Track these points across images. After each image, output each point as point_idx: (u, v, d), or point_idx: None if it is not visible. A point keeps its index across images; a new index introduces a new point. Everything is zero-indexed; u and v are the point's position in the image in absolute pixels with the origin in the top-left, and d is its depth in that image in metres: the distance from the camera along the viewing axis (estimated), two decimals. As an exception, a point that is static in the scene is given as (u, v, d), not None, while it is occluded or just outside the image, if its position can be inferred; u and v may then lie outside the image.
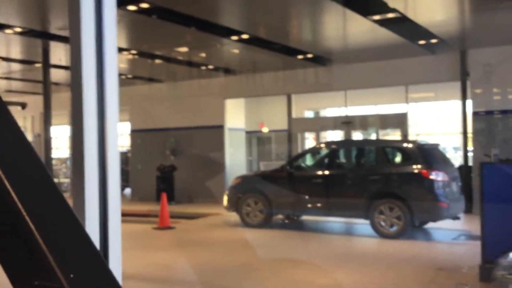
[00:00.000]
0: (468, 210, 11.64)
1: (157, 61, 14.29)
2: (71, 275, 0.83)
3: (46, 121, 12.43)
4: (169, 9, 9.61)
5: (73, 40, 1.31)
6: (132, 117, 17.76)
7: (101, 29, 1.32)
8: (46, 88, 12.76)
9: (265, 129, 18.65)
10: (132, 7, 9.19)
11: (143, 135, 16.01)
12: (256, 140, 19.10)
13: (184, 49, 13.23)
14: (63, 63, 13.92)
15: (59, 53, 12.97)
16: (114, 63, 1.36)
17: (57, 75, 14.66)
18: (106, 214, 1.31)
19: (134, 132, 17.84)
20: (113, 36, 1.35)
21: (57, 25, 10.48)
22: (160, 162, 16.13)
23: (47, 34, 11.18)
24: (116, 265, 1.31)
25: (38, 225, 0.87)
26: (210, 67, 15.30)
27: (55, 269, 0.83)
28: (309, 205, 11.00)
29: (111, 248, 1.31)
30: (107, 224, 1.31)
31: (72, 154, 1.32)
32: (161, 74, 16.39)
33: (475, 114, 13.14)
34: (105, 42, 1.33)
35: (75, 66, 1.30)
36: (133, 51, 13.13)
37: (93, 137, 1.30)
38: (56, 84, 15.24)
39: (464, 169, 12.95)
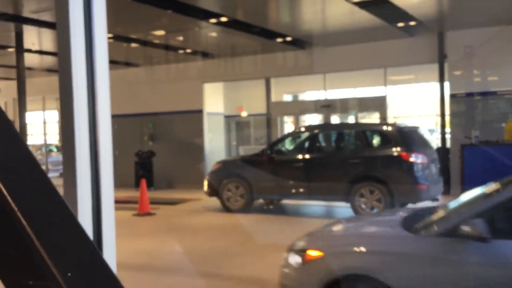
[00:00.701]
0: (446, 192, 11.79)
1: (133, 45, 14.03)
2: (69, 274, 0.79)
3: (21, 107, 12.11)
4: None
5: (60, 26, 1.27)
6: (109, 102, 17.44)
7: (90, 14, 1.29)
8: (20, 73, 12.41)
9: (243, 113, 18.55)
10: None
11: (120, 121, 15.74)
12: (234, 124, 19.00)
13: (161, 33, 13.00)
14: (37, 48, 13.56)
15: (32, 38, 12.61)
16: (105, 48, 1.32)
17: (31, 60, 14.28)
18: (99, 203, 1.29)
19: (111, 118, 17.54)
20: (103, 21, 1.33)
21: (31, 8, 10.16)
22: (138, 148, 15.94)
23: (20, 17, 10.84)
24: (110, 255, 1.29)
25: (30, 220, 0.82)
26: (188, 51, 15.08)
27: (51, 268, 0.79)
28: (290, 189, 11.00)
29: (105, 238, 1.30)
30: (101, 214, 1.29)
31: (63, 143, 1.29)
32: (137, 58, 16.11)
33: (452, 96, 13.26)
34: (95, 28, 1.31)
35: (63, 53, 1.27)
36: (108, 35, 12.83)
37: (84, 125, 1.27)
38: (29, 69, 14.85)
39: (442, 151, 13.09)
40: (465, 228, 3.65)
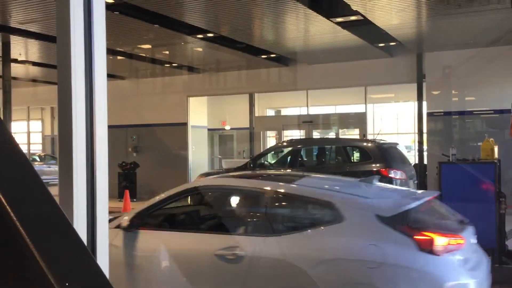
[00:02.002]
0: (424, 207, 12.07)
1: (119, 57, 14.15)
2: (66, 283, 0.78)
3: (6, 117, 12.13)
4: (133, 5, 9.56)
5: (60, 39, 1.28)
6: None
7: (91, 28, 1.31)
8: (5, 83, 12.44)
9: (227, 127, 18.75)
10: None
11: (104, 132, 15.83)
12: (218, 138, 19.18)
13: (147, 46, 13.16)
14: (23, 58, 13.61)
15: (19, 48, 12.67)
16: (103, 61, 1.34)
17: (16, 70, 14.31)
18: (94, 211, 1.30)
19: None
20: (102, 34, 1.33)
21: (18, 19, 10.26)
22: (122, 159, 15.99)
23: (7, 27, 10.92)
24: (103, 262, 1.30)
25: (28, 229, 0.80)
26: (174, 64, 15.26)
27: (49, 277, 0.77)
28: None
29: (99, 245, 1.31)
30: (95, 221, 1.30)
31: (60, 151, 1.30)
32: (123, 71, 16.23)
33: (430, 114, 13.64)
34: (94, 41, 1.31)
35: (62, 65, 1.28)
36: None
37: (81, 134, 1.28)
38: (14, 78, 14.86)
39: (419, 168, 13.43)
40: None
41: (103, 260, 1.30)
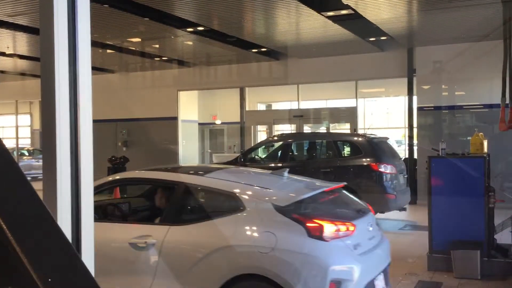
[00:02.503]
0: (413, 202, 12.16)
1: (109, 51, 14.06)
2: (49, 279, 0.77)
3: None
4: (123, -2, 9.49)
5: (43, 32, 1.25)
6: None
7: (75, 20, 1.29)
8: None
9: (218, 121, 18.72)
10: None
11: (94, 126, 15.74)
12: (209, 132, 19.14)
13: (137, 40, 13.08)
14: (11, 51, 13.46)
15: (7, 41, 12.53)
16: (88, 54, 1.32)
17: (4, 63, 14.16)
18: (79, 207, 1.28)
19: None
20: (87, 26, 1.32)
21: (6, 11, 10.14)
22: (111, 153, 15.91)
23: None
24: (89, 258, 1.29)
25: (10, 224, 0.79)
26: (164, 58, 15.19)
27: (31, 273, 0.76)
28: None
29: (83, 241, 1.29)
30: (80, 217, 1.28)
31: (43, 147, 1.27)
32: (113, 64, 16.12)
33: (420, 109, 13.70)
34: (79, 34, 1.30)
35: (46, 58, 1.25)
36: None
37: (65, 129, 1.26)
38: (2, 72, 14.72)
39: (410, 162, 13.50)
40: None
41: (88, 257, 1.28)
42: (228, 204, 4.59)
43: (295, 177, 5.49)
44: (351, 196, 5.32)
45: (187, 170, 5.66)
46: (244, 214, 4.34)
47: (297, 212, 4.30)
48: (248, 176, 5.42)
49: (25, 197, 0.86)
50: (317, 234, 4.12)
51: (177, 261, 4.36)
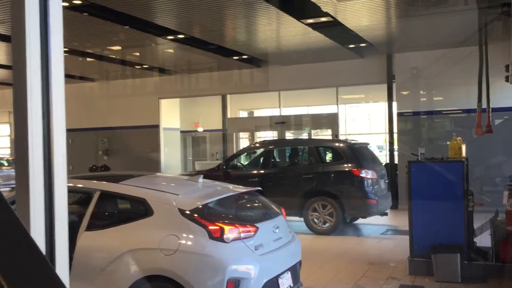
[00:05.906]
0: (395, 206, 12.27)
1: (89, 59, 13.97)
2: None
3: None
4: (102, 6, 9.43)
5: (15, 39, 1.24)
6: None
7: (47, 29, 1.27)
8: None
9: (200, 129, 18.69)
10: (64, 3, 8.96)
11: (75, 135, 15.59)
12: (191, 139, 19.10)
13: (117, 48, 13.02)
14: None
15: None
16: (61, 63, 1.30)
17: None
18: (52, 218, 1.26)
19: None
20: (59, 34, 1.30)
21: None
22: (92, 162, 15.79)
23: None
24: (63, 269, 1.27)
25: None
26: (145, 66, 15.15)
27: (3, 285, 0.76)
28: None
29: (58, 253, 1.27)
30: (53, 228, 1.26)
31: (16, 157, 1.25)
32: (93, 72, 16.02)
33: (400, 115, 13.86)
34: (51, 43, 1.28)
35: (18, 66, 1.24)
36: (63, 49, 12.74)
37: (38, 139, 1.24)
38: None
39: (390, 167, 13.62)
40: None
41: (62, 269, 1.26)
42: (138, 209, 4.78)
43: (210, 182, 5.71)
44: (266, 200, 5.54)
45: (103, 177, 5.86)
46: (152, 218, 4.56)
47: (201, 216, 4.52)
48: (161, 183, 5.62)
49: None
50: (217, 236, 4.38)
51: (90, 265, 4.56)
